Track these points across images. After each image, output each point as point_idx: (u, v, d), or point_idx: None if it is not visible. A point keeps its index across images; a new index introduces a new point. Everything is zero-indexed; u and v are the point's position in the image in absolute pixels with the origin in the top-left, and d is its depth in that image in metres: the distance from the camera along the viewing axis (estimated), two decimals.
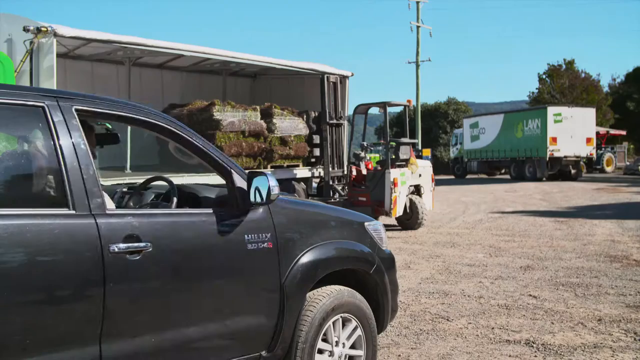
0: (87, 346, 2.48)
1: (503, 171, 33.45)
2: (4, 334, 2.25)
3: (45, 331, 2.35)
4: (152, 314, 2.70)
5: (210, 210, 2.97)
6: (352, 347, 3.47)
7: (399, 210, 11.13)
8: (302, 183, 12.23)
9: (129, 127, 8.38)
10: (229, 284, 2.98)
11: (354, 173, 11.99)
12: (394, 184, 10.91)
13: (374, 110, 12.75)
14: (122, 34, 9.56)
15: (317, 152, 12.37)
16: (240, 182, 3.04)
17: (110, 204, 2.80)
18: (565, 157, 27.68)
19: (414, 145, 12.73)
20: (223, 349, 2.97)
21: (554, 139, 27.41)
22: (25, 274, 2.31)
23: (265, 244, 3.05)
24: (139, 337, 2.65)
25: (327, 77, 11.83)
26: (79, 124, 2.61)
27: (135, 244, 2.61)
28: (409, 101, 12.76)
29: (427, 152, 24.86)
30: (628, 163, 35.23)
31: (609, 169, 34.69)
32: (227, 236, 2.96)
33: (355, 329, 3.47)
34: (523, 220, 12.75)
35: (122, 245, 2.56)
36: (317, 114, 12.25)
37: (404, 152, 11.67)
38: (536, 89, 46.87)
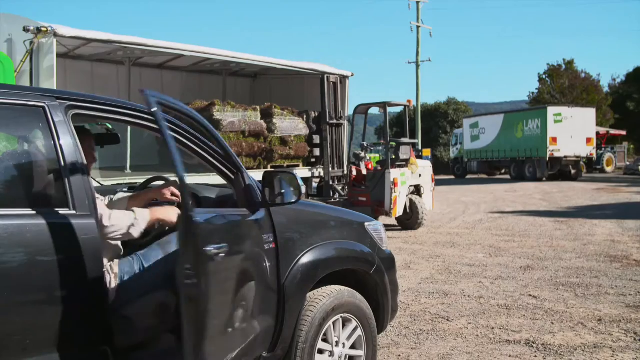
0: (87, 346, 2.48)
1: (503, 171, 33.44)
2: (4, 334, 2.25)
3: (45, 331, 2.35)
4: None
5: (246, 211, 2.97)
6: (352, 347, 3.47)
7: (399, 211, 11.13)
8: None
9: (129, 127, 8.38)
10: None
11: (354, 173, 11.99)
12: (394, 184, 10.91)
13: (374, 110, 12.75)
14: (122, 34, 9.56)
15: (317, 152, 12.36)
16: (249, 180, 3.04)
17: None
18: (565, 157, 27.69)
19: (414, 145, 12.73)
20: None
21: (554, 139, 27.41)
22: (26, 274, 2.31)
23: (271, 244, 3.05)
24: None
25: (327, 77, 11.83)
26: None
27: (221, 245, 2.58)
28: (409, 101, 12.77)
29: (427, 152, 24.87)
30: (628, 163, 35.21)
31: (609, 169, 34.68)
32: (258, 236, 2.97)
33: (355, 329, 3.47)
34: (523, 220, 12.75)
35: (213, 247, 2.53)
36: (317, 114, 12.25)
37: (404, 152, 11.68)
38: (536, 89, 46.87)
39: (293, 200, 2.99)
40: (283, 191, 2.98)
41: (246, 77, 15.00)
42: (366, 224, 3.77)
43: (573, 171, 28.15)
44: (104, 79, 11.97)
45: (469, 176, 34.61)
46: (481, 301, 6.03)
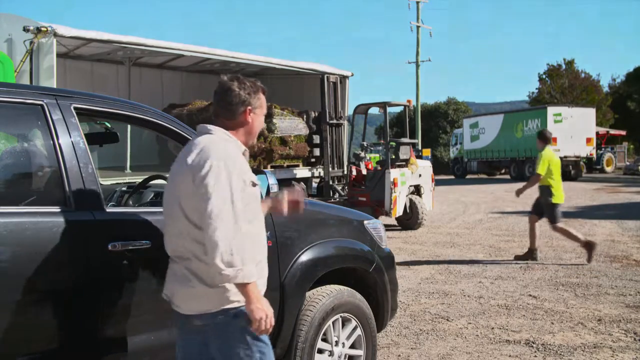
0: (87, 343, 2.48)
1: (503, 171, 33.41)
2: (3, 331, 2.25)
3: (44, 329, 2.35)
4: (151, 312, 2.70)
5: None
6: (352, 346, 3.47)
7: (399, 210, 11.12)
8: (302, 183, 12.21)
9: (128, 127, 8.38)
10: None
11: (354, 173, 11.99)
12: (394, 184, 10.90)
13: (374, 110, 12.75)
14: (122, 34, 9.56)
15: (317, 152, 12.36)
16: None
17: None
18: (565, 157, 27.63)
19: (414, 145, 12.72)
20: None
21: (554, 139, 27.33)
22: (25, 272, 2.30)
23: (268, 242, 3.04)
24: (138, 335, 2.65)
25: (327, 77, 11.82)
26: (78, 122, 2.61)
27: (135, 242, 2.61)
28: (409, 101, 12.76)
29: (427, 152, 24.81)
30: (628, 163, 35.19)
31: (609, 169, 34.65)
32: None
33: (355, 328, 3.46)
34: (523, 220, 12.69)
35: (121, 243, 2.55)
36: (317, 114, 12.24)
37: (404, 152, 11.67)
38: (536, 89, 46.85)
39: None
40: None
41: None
42: (365, 222, 3.77)
43: (573, 171, 28.12)
44: (104, 78, 11.96)
45: (468, 176, 34.58)
46: (481, 301, 6.02)
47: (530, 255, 8.21)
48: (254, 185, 2.36)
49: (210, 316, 2.27)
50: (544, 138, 8.44)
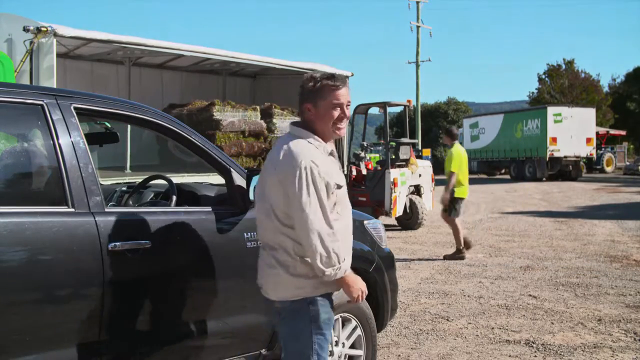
0: (86, 344, 2.48)
1: (503, 171, 33.41)
2: (3, 332, 2.25)
3: (44, 329, 2.35)
4: (151, 311, 2.70)
5: (209, 209, 2.98)
6: (352, 346, 3.46)
7: (398, 210, 11.13)
8: None
9: (128, 127, 8.38)
10: (228, 282, 2.99)
11: (354, 173, 11.99)
12: (394, 184, 10.90)
13: (374, 110, 12.74)
14: (122, 34, 9.56)
15: None
16: (239, 180, 3.04)
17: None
18: (565, 157, 27.67)
19: (414, 145, 12.72)
20: (223, 347, 2.98)
21: (554, 139, 27.40)
22: (25, 272, 2.31)
23: None
24: (139, 335, 2.65)
25: None
26: (78, 122, 2.62)
27: (135, 242, 2.61)
28: (409, 101, 12.76)
29: (427, 152, 24.78)
30: (628, 163, 35.22)
31: (609, 169, 34.68)
32: (226, 234, 2.96)
33: (355, 328, 3.46)
34: (523, 220, 12.73)
35: (121, 243, 2.55)
36: None
37: (404, 152, 11.67)
38: (536, 89, 46.84)
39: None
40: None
41: (246, 77, 14.99)
42: (365, 222, 3.76)
43: (573, 171, 28.13)
44: (104, 78, 11.96)
45: (468, 176, 34.58)
46: (481, 301, 6.02)
47: (458, 252, 8.39)
48: (339, 187, 2.44)
49: (289, 302, 2.44)
50: (452, 135, 8.70)
